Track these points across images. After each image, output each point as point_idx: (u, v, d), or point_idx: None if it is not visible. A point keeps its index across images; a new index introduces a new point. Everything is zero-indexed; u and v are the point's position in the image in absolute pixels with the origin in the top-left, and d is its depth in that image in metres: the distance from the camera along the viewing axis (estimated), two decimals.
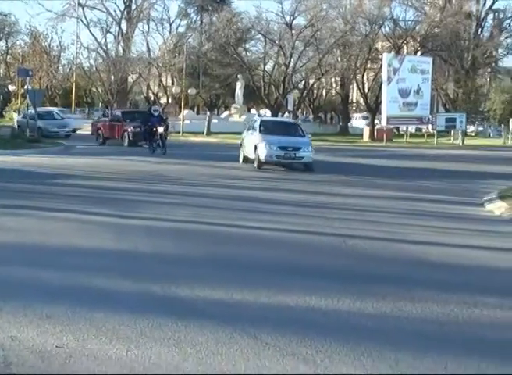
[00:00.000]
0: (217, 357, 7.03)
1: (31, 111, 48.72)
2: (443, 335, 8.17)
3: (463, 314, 8.98)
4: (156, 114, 39.33)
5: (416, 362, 7.10)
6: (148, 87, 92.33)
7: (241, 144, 34.02)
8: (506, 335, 8.27)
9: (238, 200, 19.52)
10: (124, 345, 7.26)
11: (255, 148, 30.23)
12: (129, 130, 46.84)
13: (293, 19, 69.99)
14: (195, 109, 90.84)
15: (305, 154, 29.77)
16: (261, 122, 33.17)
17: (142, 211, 16.82)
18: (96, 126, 53.43)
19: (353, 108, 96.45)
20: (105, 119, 56.39)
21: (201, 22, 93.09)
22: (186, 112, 70.89)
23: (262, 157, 29.74)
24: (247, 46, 79.38)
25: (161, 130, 37.45)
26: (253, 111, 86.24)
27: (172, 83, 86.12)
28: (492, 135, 76.06)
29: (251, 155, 31.22)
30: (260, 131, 31.36)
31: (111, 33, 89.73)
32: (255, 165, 30.16)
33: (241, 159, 33.13)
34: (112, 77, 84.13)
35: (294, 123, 39.40)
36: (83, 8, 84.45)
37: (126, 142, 46.97)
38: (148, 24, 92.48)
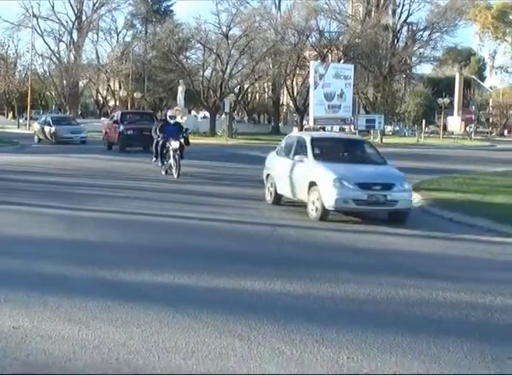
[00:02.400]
0: (160, 335, 7.02)
1: None
2: (364, 312, 8.26)
3: (381, 294, 9.08)
4: (173, 122, 25.30)
5: (339, 337, 7.17)
6: (98, 91, 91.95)
7: (267, 177, 18.92)
8: (418, 311, 8.39)
9: (181, 193, 19.42)
10: (76, 326, 7.21)
11: (311, 185, 16.25)
12: (121, 132, 37.92)
13: (229, 29, 69.88)
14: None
15: (401, 195, 15.83)
16: (312, 141, 17.79)
17: (93, 204, 16.67)
18: (104, 131, 43.68)
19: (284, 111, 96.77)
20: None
21: (146, 32, 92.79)
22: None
23: (330, 202, 15.51)
24: (188, 54, 78.98)
25: (175, 145, 23.62)
26: (193, 112, 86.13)
27: (120, 88, 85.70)
28: (406, 134, 76.96)
29: (298, 195, 17.17)
30: (315, 157, 17.16)
31: (63, 41, 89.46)
32: (314, 215, 15.87)
33: (269, 198, 18.44)
34: (65, 82, 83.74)
35: (363, 140, 21.76)
36: (37, 19, 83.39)
37: (118, 146, 38.42)
38: (97, 34, 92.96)
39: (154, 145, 25.58)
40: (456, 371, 6.37)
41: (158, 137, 24.75)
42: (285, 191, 17.76)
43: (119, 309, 7.83)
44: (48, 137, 46.41)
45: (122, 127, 38.00)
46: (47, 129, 46.74)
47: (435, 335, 7.34)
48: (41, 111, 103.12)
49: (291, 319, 7.67)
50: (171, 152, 23.84)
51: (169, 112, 27.17)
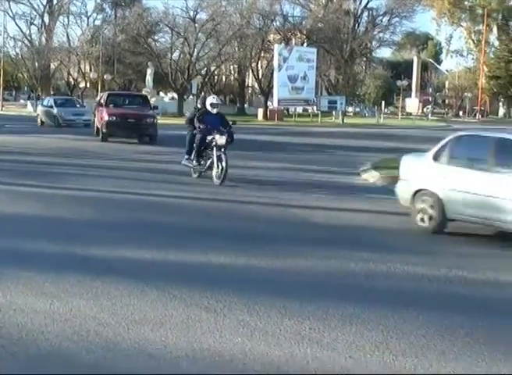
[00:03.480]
0: (130, 308, 7.00)
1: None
2: (325, 285, 8.31)
3: (341, 266, 9.15)
4: (215, 111, 18.79)
5: (302, 309, 7.21)
6: (69, 73, 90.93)
7: (418, 194, 12.56)
8: (378, 284, 8.45)
9: (153, 172, 19.33)
10: (48, 300, 7.16)
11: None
12: (104, 118, 29.96)
13: (196, 14, 69.66)
14: None
15: None
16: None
17: (67, 182, 16.51)
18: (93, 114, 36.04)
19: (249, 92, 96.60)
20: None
21: (115, 16, 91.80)
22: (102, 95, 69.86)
23: None
24: (156, 37, 78.71)
25: (221, 141, 17.69)
26: (161, 94, 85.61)
27: (90, 70, 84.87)
28: (367, 115, 77.13)
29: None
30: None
31: (35, 25, 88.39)
32: None
33: (426, 224, 12.23)
34: (36, 64, 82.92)
35: None
36: (9, 2, 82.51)
37: (99, 135, 30.71)
38: (68, 17, 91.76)
39: (188, 140, 18.83)
40: (412, 339, 6.44)
41: (195, 128, 18.38)
42: (467, 213, 11.66)
43: (90, 284, 7.80)
44: (51, 120, 42.47)
45: (105, 112, 30.14)
46: (49, 112, 43.04)
47: (394, 306, 7.40)
48: (13, 92, 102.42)
49: (256, 292, 7.69)
50: (214, 150, 17.45)
51: (211, 99, 19.22)
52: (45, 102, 46.31)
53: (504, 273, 9.15)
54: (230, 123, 18.64)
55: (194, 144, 18.23)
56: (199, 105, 19.89)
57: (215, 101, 18.94)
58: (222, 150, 17.33)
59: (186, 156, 18.56)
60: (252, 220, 12.69)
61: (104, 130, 29.64)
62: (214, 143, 17.52)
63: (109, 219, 12.23)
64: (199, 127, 18.01)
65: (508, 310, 7.65)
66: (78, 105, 47.07)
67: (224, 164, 16.92)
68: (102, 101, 32.43)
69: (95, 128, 32.39)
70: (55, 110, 42.31)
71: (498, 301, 7.98)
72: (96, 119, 32.47)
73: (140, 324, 6.56)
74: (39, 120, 44.70)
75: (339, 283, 8.46)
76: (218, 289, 7.74)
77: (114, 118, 29.37)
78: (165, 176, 18.73)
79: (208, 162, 17.72)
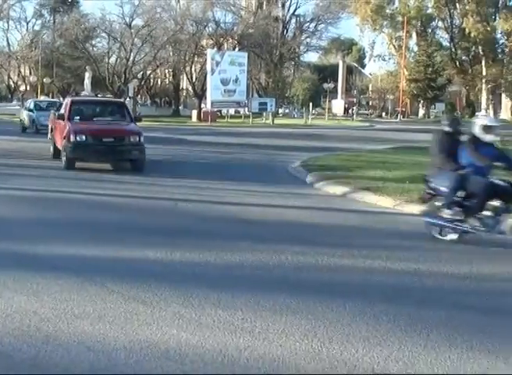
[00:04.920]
0: (70, 303, 6.93)
1: None
2: (257, 278, 8.33)
3: (272, 260, 9.17)
4: (489, 139, 10.68)
5: (234, 300, 7.23)
6: (9, 77, 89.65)
7: None
8: (306, 275, 8.51)
9: (91, 172, 19.07)
10: None
11: None
12: (68, 137, 19.25)
13: (132, 20, 69.10)
14: (50, 95, 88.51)
15: None
16: None
17: (3, 182, 16.23)
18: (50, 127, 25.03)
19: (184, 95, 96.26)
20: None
21: (54, 21, 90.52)
22: (42, 97, 68.64)
23: None
24: (94, 42, 77.88)
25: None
26: (99, 96, 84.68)
27: (30, 74, 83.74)
28: (296, 116, 77.42)
29: None
30: None
31: None
32: None
33: None
34: None
35: None
36: None
37: (63, 160, 19.70)
38: (8, 22, 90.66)
39: (454, 182, 10.73)
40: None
41: (458, 167, 10.83)
42: None
43: (31, 280, 7.69)
44: (31, 125, 37.98)
45: (69, 128, 19.60)
46: (30, 116, 38.47)
47: (321, 297, 7.47)
48: None
49: (190, 286, 7.68)
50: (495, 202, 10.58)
51: (485, 119, 11.36)
52: (27, 106, 41.64)
53: (424, 263, 9.29)
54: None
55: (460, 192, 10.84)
56: (447, 128, 11.44)
57: (491, 122, 11.16)
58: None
59: (450, 211, 10.88)
60: (187, 217, 12.67)
61: (69, 155, 19.25)
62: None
63: (47, 217, 12.05)
64: (459, 167, 10.87)
65: (427, 297, 7.78)
66: None
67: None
68: (64, 111, 21.41)
69: (52, 148, 22.25)
70: (34, 114, 38.09)
71: (418, 289, 8.11)
72: (54, 137, 22.31)
73: (80, 318, 6.50)
74: (21, 125, 39.70)
75: (270, 275, 8.49)
76: (154, 283, 7.71)
77: (83, 137, 19.15)
78: (96, 175, 18.50)
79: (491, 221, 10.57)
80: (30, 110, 39.16)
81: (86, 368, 5.40)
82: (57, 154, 21.14)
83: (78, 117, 20.64)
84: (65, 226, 11.38)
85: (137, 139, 19.41)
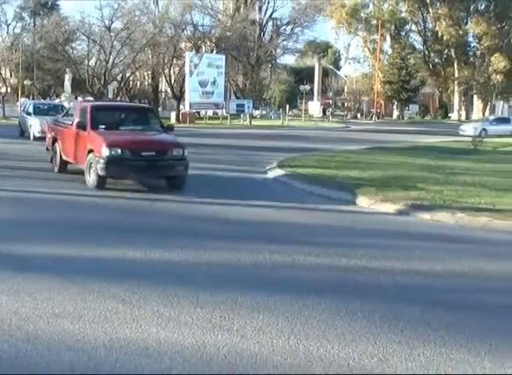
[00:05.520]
0: (50, 302, 6.90)
1: None
2: (235, 276, 8.33)
3: (250, 259, 9.18)
4: None
5: (213, 298, 7.22)
6: None
7: None
8: (283, 274, 8.53)
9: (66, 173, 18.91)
10: None
11: None
12: (101, 151, 15.38)
13: (112, 23, 68.77)
14: (30, 97, 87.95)
15: None
16: None
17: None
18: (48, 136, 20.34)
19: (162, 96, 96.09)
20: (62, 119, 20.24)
21: (34, 24, 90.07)
22: (22, 99, 68.13)
23: None
24: (73, 45, 77.30)
25: None
26: (79, 98, 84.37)
27: (11, 76, 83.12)
28: (272, 117, 77.37)
29: None
30: None
31: None
32: None
33: None
34: None
35: None
36: None
37: (91, 178, 15.83)
38: None
39: None
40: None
41: None
42: None
43: (12, 280, 7.64)
44: (28, 130, 32.98)
45: (101, 139, 15.80)
46: (26, 120, 33.80)
47: (298, 294, 7.48)
48: None
49: (169, 284, 7.68)
50: None
51: None
52: (24, 108, 37.45)
53: (398, 261, 9.34)
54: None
55: None
56: None
57: None
58: None
59: None
60: (165, 216, 12.63)
61: (101, 172, 15.47)
62: None
63: (27, 218, 11.97)
64: None
65: (401, 294, 7.82)
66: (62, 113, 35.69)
67: None
68: (84, 119, 16.93)
69: (58, 161, 18.54)
70: (31, 120, 32.97)
71: (392, 286, 8.14)
72: (62, 148, 18.30)
73: (60, 317, 6.48)
74: (19, 130, 35.45)
75: (248, 274, 8.49)
76: (134, 282, 7.69)
77: (119, 151, 15.50)
78: (71, 176, 18.36)
79: None
80: (28, 113, 34.43)
81: (66, 367, 5.39)
82: (64, 167, 18.38)
83: (103, 126, 16.80)
84: (45, 226, 11.29)
85: (181, 152, 16.26)
